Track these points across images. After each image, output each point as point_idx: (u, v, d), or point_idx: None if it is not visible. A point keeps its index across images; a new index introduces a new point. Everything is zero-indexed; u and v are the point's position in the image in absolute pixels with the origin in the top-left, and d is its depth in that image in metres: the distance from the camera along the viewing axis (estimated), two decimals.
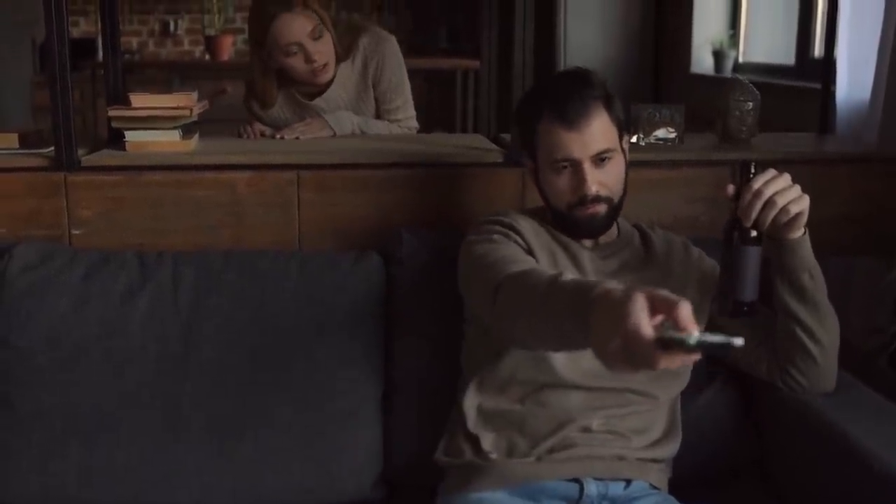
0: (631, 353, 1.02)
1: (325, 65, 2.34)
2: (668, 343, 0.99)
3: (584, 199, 1.62)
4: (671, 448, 1.65)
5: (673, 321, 1.02)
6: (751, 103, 2.26)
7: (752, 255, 1.52)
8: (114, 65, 2.34)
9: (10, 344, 1.75)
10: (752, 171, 1.51)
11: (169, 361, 1.75)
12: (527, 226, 1.69)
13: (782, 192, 1.48)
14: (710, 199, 2.09)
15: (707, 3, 4.88)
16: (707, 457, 1.72)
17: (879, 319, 2.18)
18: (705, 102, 2.33)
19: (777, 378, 1.68)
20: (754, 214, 1.49)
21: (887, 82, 2.90)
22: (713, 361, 1.73)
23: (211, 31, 5.59)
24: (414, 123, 2.53)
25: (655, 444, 1.63)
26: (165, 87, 4.53)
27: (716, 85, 4.65)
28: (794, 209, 1.49)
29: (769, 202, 1.48)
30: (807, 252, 1.58)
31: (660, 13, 5.28)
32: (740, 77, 2.30)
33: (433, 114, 2.76)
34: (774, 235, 1.55)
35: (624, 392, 1.62)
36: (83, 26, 5.93)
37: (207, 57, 5.95)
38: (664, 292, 1.05)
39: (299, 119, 2.44)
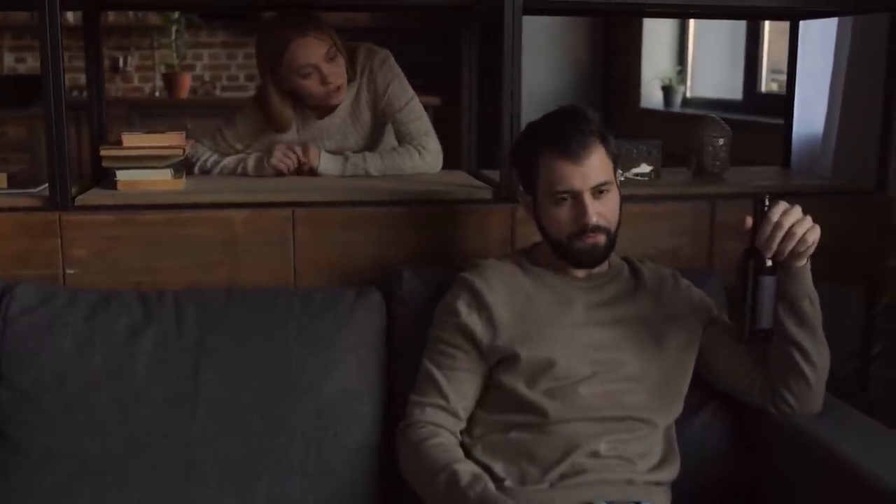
0: None
1: (340, 86, 2.36)
2: None
3: (584, 229, 1.69)
4: (671, 472, 1.71)
5: None
6: (722, 139, 2.36)
7: (769, 284, 1.61)
8: (98, 105, 2.36)
9: (15, 385, 1.74)
10: (767, 203, 1.59)
11: (177, 402, 1.75)
12: (502, 278, 1.76)
13: (800, 223, 1.58)
14: (691, 232, 2.17)
15: (655, 41, 5.04)
16: (705, 480, 1.78)
17: (849, 346, 2.28)
18: (655, 136, 2.42)
19: (768, 401, 1.76)
20: (776, 245, 1.57)
21: (840, 118, 3.05)
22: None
23: (168, 69, 5.58)
24: (433, 145, 2.42)
25: (656, 468, 1.70)
26: (127, 126, 4.50)
27: (665, 119, 4.83)
28: (810, 238, 1.58)
29: (789, 233, 1.57)
30: (808, 279, 1.67)
31: (609, 51, 5.45)
32: (713, 115, 2.39)
33: None
34: (785, 263, 1.63)
35: (626, 419, 1.68)
36: (30, 62, 5.88)
37: (157, 94, 5.96)
38: None
39: (312, 140, 2.46)
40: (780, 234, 1.58)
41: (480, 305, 1.73)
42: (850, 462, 1.58)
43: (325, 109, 2.44)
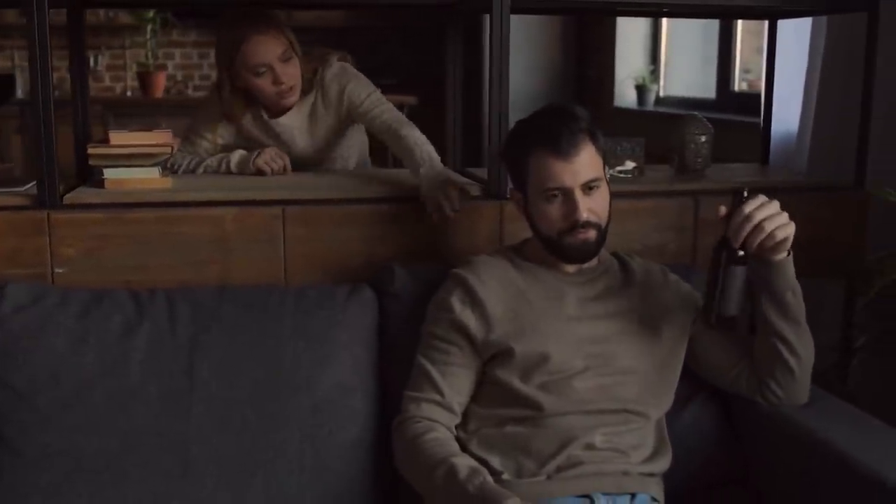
0: None
1: (292, 87, 2.35)
2: None
3: (575, 225, 1.71)
4: (664, 463, 1.74)
5: None
6: (704, 137, 2.40)
7: (739, 274, 1.64)
8: (82, 103, 2.35)
9: (9, 385, 1.73)
10: (745, 196, 1.62)
11: (172, 399, 1.75)
12: (494, 274, 1.79)
13: (771, 218, 1.61)
14: (676, 228, 2.21)
15: (628, 41, 5.09)
16: (695, 470, 1.82)
17: (827, 339, 2.33)
18: (629, 134, 2.45)
19: (756, 392, 1.80)
20: (743, 236, 1.61)
21: (815, 116, 3.11)
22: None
23: (141, 68, 5.53)
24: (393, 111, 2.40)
25: (649, 459, 1.72)
26: (102, 125, 4.47)
27: (639, 118, 4.88)
28: (779, 235, 1.62)
29: (758, 227, 1.61)
30: (790, 272, 1.71)
31: (582, 50, 5.49)
32: (696, 113, 2.43)
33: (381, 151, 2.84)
34: (762, 256, 1.67)
35: (620, 412, 1.71)
36: None
37: (129, 94, 5.92)
38: None
39: (266, 137, 2.45)
40: (748, 227, 1.62)
41: (474, 301, 1.75)
42: (838, 450, 1.62)
43: (277, 110, 2.43)
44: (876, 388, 2.23)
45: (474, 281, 1.77)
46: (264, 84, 2.34)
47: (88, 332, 1.79)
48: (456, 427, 1.74)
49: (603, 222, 1.76)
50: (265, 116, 2.44)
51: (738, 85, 4.36)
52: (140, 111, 4.99)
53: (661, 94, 5.03)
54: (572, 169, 1.71)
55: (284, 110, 2.43)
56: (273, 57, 2.30)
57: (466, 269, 1.81)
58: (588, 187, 1.72)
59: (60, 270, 1.98)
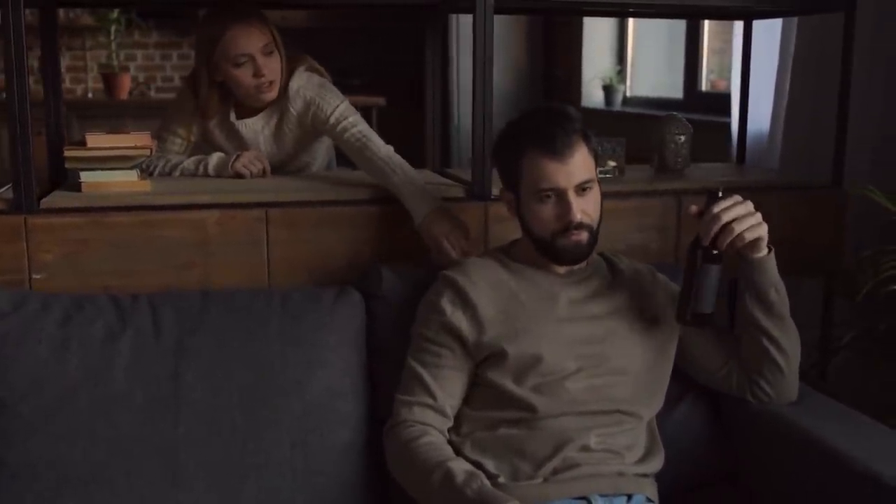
0: None
1: (272, 82, 2.30)
2: None
3: (568, 226, 1.71)
4: (657, 463, 1.74)
5: None
6: (683, 136, 2.41)
7: (712, 272, 1.66)
8: (56, 105, 2.30)
9: None
10: (720, 195, 1.64)
11: (158, 406, 1.72)
12: (485, 275, 1.77)
13: (740, 219, 1.64)
14: (659, 228, 2.21)
15: (595, 41, 5.11)
16: (687, 469, 1.82)
17: (808, 337, 2.35)
18: (597, 135, 2.45)
19: (746, 390, 1.81)
20: (711, 236, 1.64)
21: (786, 115, 3.14)
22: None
23: (104, 69, 5.44)
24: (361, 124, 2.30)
25: (643, 460, 1.72)
26: (66, 127, 4.37)
27: (607, 118, 4.90)
28: (748, 236, 1.65)
29: (726, 227, 1.64)
30: (772, 269, 1.72)
31: (549, 50, 5.50)
32: (676, 114, 2.44)
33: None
34: (741, 254, 1.68)
35: (613, 413, 1.70)
36: None
37: (91, 95, 5.82)
38: None
39: (227, 141, 2.41)
40: (715, 228, 1.65)
41: (465, 303, 1.74)
42: (831, 447, 1.63)
43: (249, 109, 2.39)
44: (855, 385, 2.25)
45: (465, 282, 1.75)
46: (243, 75, 2.28)
47: (71, 338, 1.75)
48: (448, 430, 1.73)
49: (595, 224, 1.76)
50: (232, 118, 2.39)
51: (707, 85, 4.39)
52: (104, 112, 4.90)
53: (629, 94, 5.06)
54: (566, 170, 1.70)
55: (257, 110, 2.39)
56: (255, 48, 2.25)
57: (456, 270, 1.79)
58: (581, 188, 1.72)
59: (38, 276, 1.93)
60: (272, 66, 2.30)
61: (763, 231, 1.68)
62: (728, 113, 3.44)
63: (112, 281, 1.95)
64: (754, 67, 2.78)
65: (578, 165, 1.71)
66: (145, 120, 4.24)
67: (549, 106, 1.81)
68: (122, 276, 1.96)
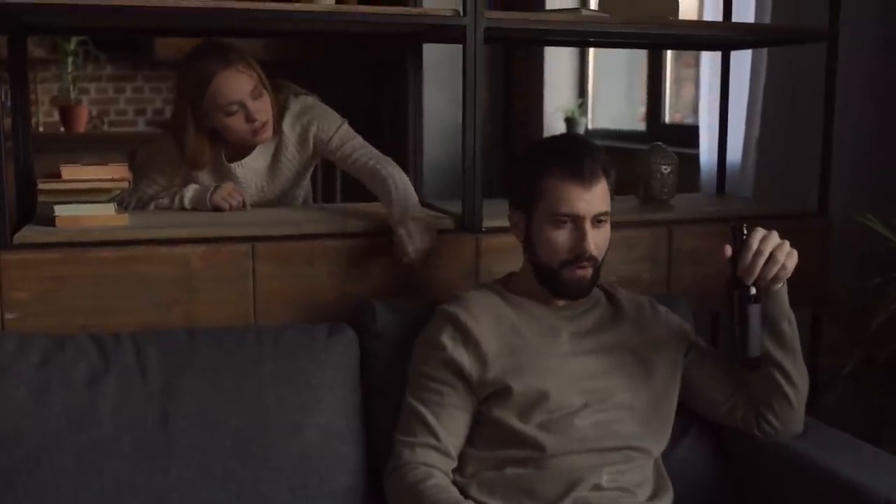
0: None
1: (265, 123, 2.23)
2: None
3: (579, 257, 1.67)
4: (666, 500, 1.69)
5: None
6: (669, 167, 2.39)
7: (756, 313, 1.62)
8: (24, 138, 2.21)
9: None
10: (745, 231, 1.60)
11: (147, 451, 1.63)
12: (486, 309, 1.72)
13: (779, 248, 1.59)
14: (649, 259, 2.18)
15: (556, 74, 5.12)
16: None
17: None
18: None
19: (753, 424, 1.77)
20: (757, 272, 1.58)
21: (758, 145, 3.16)
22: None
23: (61, 102, 5.31)
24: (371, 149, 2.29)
25: (653, 497, 1.68)
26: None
27: None
28: (790, 264, 1.60)
29: (772, 258, 1.58)
30: (785, 301, 1.69)
31: (510, 82, 5.50)
32: (661, 144, 2.42)
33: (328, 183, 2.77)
34: (762, 287, 1.64)
35: (623, 449, 1.66)
36: None
37: (41, 129, 5.66)
38: None
39: (222, 182, 2.31)
40: (761, 261, 1.60)
41: (466, 338, 1.68)
42: (846, 479, 1.60)
43: (241, 150, 2.32)
44: (852, 413, 2.23)
45: (466, 317, 1.70)
46: (236, 123, 2.21)
47: (51, 380, 1.66)
48: (452, 471, 1.66)
49: (600, 261, 1.72)
50: (223, 158, 2.32)
51: (671, 116, 4.41)
52: (58, 146, 4.74)
53: (590, 126, 5.07)
54: (588, 197, 1.66)
55: (249, 151, 2.32)
56: (244, 94, 2.18)
57: (456, 304, 1.74)
58: (597, 220, 1.68)
59: (11, 316, 1.84)
60: (263, 108, 2.23)
61: (796, 258, 1.63)
62: (694, 144, 3.46)
63: (91, 320, 1.86)
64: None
65: (599, 196, 1.67)
66: (103, 153, 4.13)
67: (576, 134, 1.77)
68: (102, 314, 1.87)
